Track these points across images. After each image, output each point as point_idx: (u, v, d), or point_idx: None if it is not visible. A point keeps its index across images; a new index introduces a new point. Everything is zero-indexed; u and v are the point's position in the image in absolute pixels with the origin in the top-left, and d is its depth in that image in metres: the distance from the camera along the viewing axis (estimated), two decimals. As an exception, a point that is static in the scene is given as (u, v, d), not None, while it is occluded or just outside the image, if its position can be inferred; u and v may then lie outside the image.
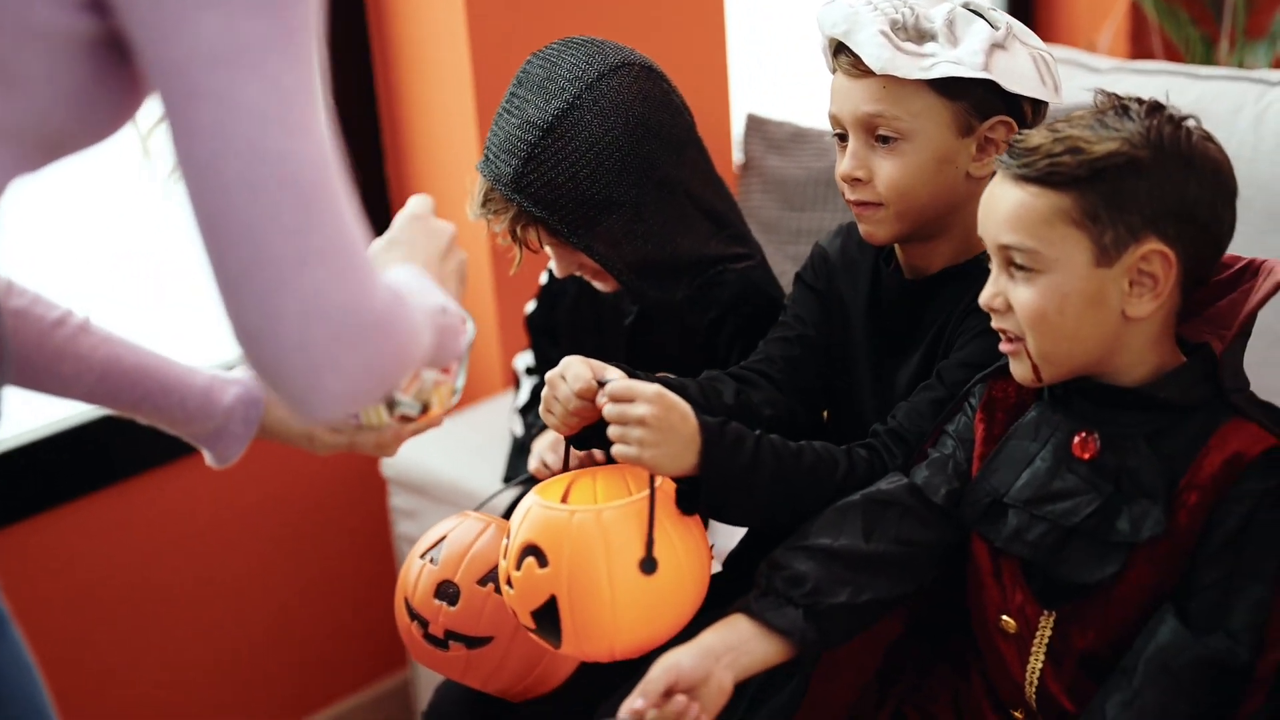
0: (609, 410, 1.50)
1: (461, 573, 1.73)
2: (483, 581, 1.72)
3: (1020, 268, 1.43)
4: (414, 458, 2.44)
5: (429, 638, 1.76)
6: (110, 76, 1.04)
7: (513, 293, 2.57)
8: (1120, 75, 2.41)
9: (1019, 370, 1.48)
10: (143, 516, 2.42)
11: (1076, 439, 1.47)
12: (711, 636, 1.45)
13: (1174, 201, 1.41)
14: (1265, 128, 2.18)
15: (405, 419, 1.50)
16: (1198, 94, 2.28)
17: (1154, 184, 1.40)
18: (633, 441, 1.48)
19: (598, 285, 1.92)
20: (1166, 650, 1.40)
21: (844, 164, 1.67)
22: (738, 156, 2.83)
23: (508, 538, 1.54)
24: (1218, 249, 1.47)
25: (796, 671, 1.62)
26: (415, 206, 1.48)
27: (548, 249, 1.86)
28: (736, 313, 1.91)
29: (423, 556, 1.78)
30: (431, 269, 1.40)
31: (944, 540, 1.55)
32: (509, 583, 1.53)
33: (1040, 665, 1.51)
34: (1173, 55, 3.56)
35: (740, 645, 1.45)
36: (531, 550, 1.50)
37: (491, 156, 1.80)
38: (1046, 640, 1.50)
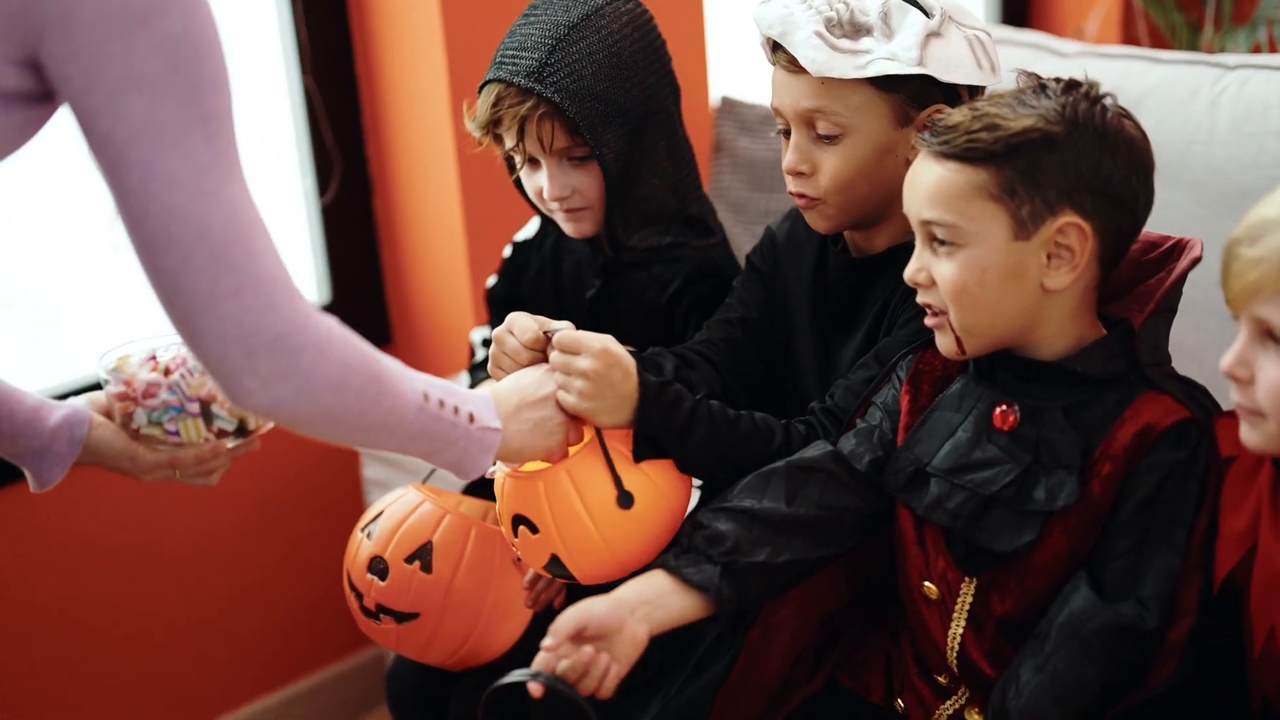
0: (554, 359, 1.57)
1: (391, 549, 1.78)
2: (410, 559, 1.77)
3: (942, 243, 1.47)
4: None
5: (365, 610, 1.82)
6: (30, 122, 1.26)
7: (486, 270, 2.60)
8: (1085, 59, 2.44)
9: (943, 343, 1.52)
10: (120, 486, 2.46)
11: (997, 411, 1.50)
12: (626, 589, 1.48)
13: (1089, 176, 1.44)
14: (1220, 112, 2.20)
15: (223, 434, 1.58)
16: (1157, 78, 2.31)
17: (1069, 159, 1.43)
18: (573, 391, 1.55)
19: (570, 227, 1.95)
20: (1078, 616, 1.44)
21: (787, 158, 1.70)
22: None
23: (499, 512, 1.62)
24: (1135, 223, 1.50)
25: (734, 641, 1.66)
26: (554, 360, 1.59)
27: (546, 165, 1.89)
28: (694, 289, 1.95)
29: (363, 530, 1.83)
30: (505, 405, 1.54)
31: (867, 506, 1.59)
32: (516, 550, 1.62)
33: (961, 631, 1.54)
34: (1159, 41, 3.58)
35: (655, 599, 1.48)
36: (520, 520, 1.58)
37: (508, 59, 1.86)
38: (968, 606, 1.53)
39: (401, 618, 1.79)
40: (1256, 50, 3.30)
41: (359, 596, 1.82)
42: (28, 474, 1.60)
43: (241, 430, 1.58)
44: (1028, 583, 1.49)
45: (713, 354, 1.83)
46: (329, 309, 2.72)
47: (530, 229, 2.14)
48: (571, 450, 1.59)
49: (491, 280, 2.18)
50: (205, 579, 2.62)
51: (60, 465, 1.58)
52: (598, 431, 1.57)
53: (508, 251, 2.16)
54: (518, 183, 1.99)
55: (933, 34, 1.62)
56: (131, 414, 1.54)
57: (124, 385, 1.53)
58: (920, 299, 1.52)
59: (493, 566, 1.80)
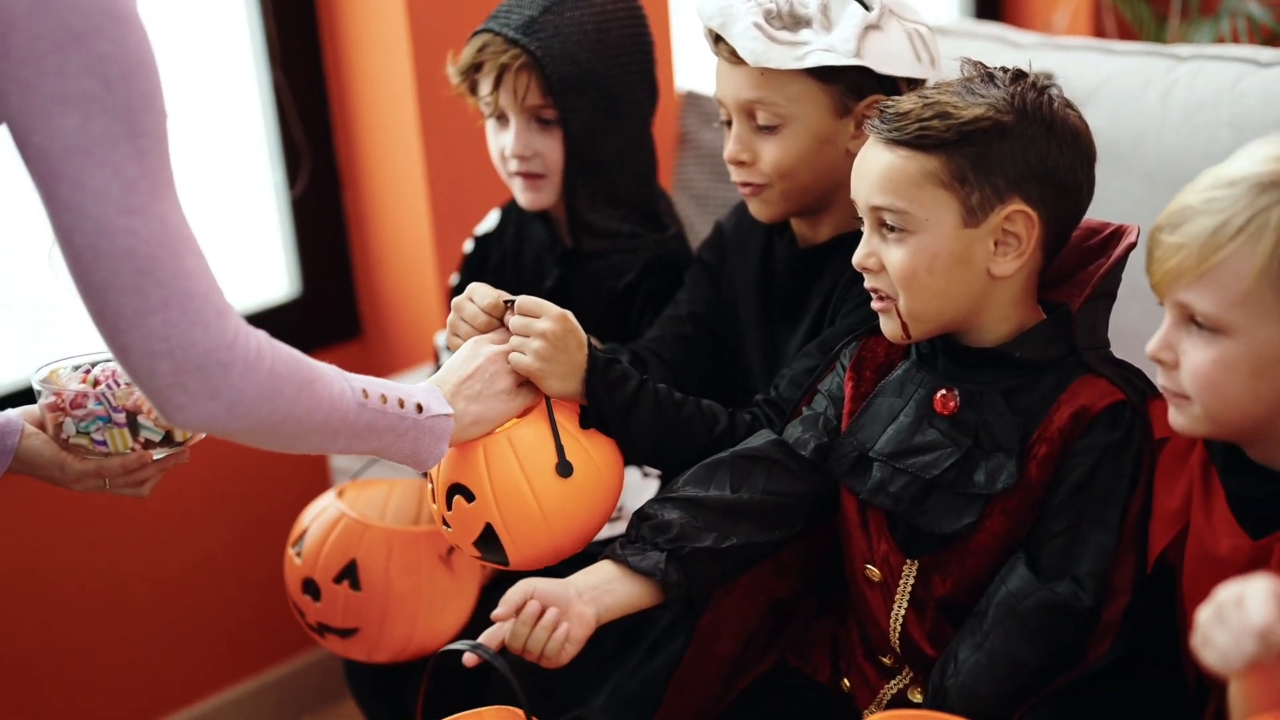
0: (514, 322, 1.59)
1: (319, 571, 1.81)
2: (338, 579, 1.80)
3: (892, 229, 1.49)
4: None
5: (309, 625, 1.84)
6: None
7: (453, 262, 2.63)
8: (1043, 50, 2.46)
9: (889, 327, 1.54)
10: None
11: (938, 396, 1.53)
12: (575, 577, 1.52)
13: (1037, 165, 1.47)
14: (1171, 102, 2.23)
15: (149, 444, 1.58)
16: (1112, 69, 2.33)
17: (1018, 148, 1.46)
18: (529, 352, 1.57)
19: (527, 197, 1.98)
20: (1014, 595, 1.47)
21: (729, 148, 1.73)
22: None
23: (431, 483, 1.62)
24: (1077, 211, 1.53)
25: (686, 625, 1.69)
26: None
27: (514, 122, 1.93)
28: (650, 280, 1.98)
29: (293, 548, 1.86)
30: (446, 386, 1.56)
31: (813, 491, 1.61)
32: (445, 523, 1.62)
33: (904, 612, 1.57)
34: (1127, 34, 3.61)
35: (602, 585, 1.51)
36: (456, 489, 1.58)
37: (502, 13, 1.92)
38: (909, 588, 1.56)
39: (342, 633, 1.82)
40: (1220, 42, 3.33)
41: (301, 614, 1.85)
42: None
43: (168, 440, 1.59)
44: (968, 563, 1.52)
45: (664, 351, 1.86)
46: (299, 303, 2.75)
47: (490, 221, 2.17)
48: (522, 418, 1.61)
49: (454, 278, 2.21)
50: (167, 568, 2.63)
51: None
52: (546, 400, 1.58)
53: (469, 246, 2.19)
54: None
55: (871, 27, 1.65)
56: (61, 424, 1.56)
57: (54, 396, 1.55)
58: (868, 284, 1.54)
59: (420, 569, 1.82)
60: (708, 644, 1.66)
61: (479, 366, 1.57)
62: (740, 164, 1.73)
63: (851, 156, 1.67)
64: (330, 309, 2.77)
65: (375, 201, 2.72)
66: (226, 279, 2.57)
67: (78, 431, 1.55)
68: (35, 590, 2.47)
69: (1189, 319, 1.33)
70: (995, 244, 1.48)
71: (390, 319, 2.78)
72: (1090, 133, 1.53)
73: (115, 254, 1.22)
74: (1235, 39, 3.31)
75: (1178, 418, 1.38)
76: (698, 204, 2.72)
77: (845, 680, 1.66)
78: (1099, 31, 3.67)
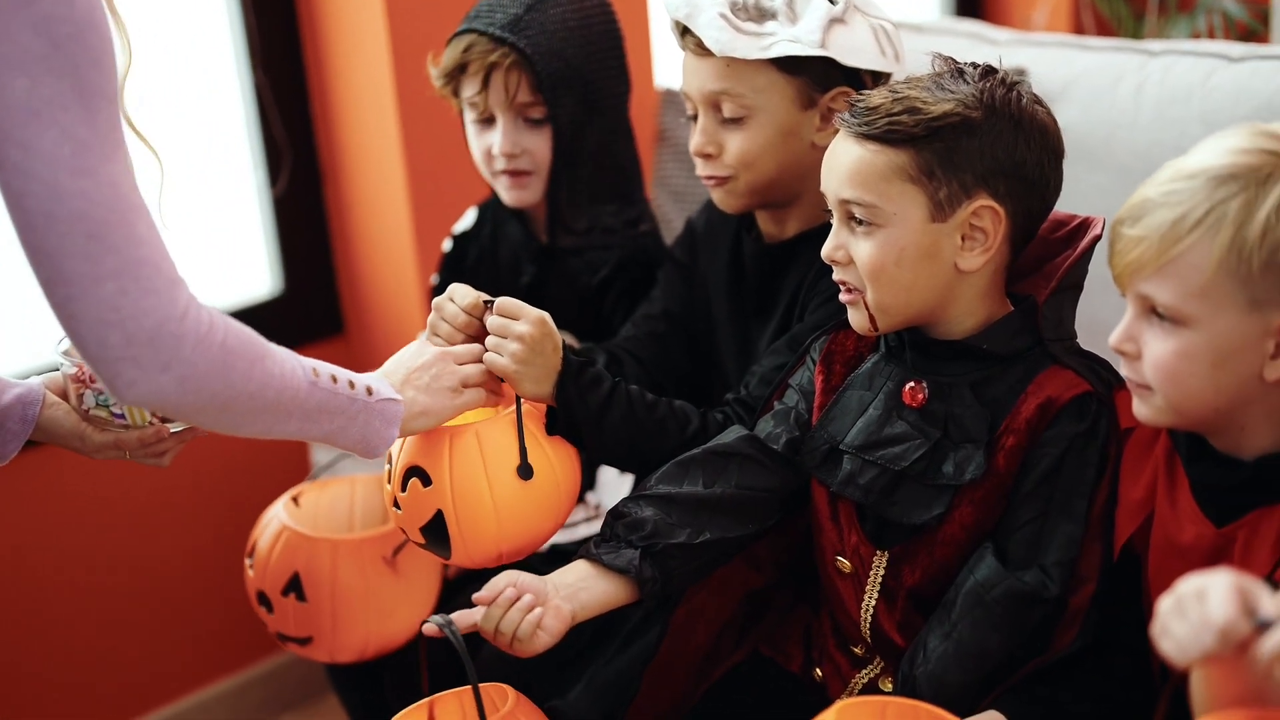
0: (492, 322, 1.60)
1: (268, 583, 1.83)
2: (285, 592, 1.81)
3: (860, 222, 1.51)
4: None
5: (273, 633, 1.87)
6: None
7: (434, 259, 2.64)
8: (1017, 47, 2.48)
9: (857, 320, 1.56)
10: (67, 472, 2.50)
11: (906, 388, 1.55)
12: (552, 575, 1.54)
13: (1005, 160, 1.49)
14: (1144, 97, 2.25)
15: (166, 419, 1.58)
16: (1085, 65, 2.35)
17: (986, 143, 1.48)
18: (505, 354, 1.58)
19: (512, 195, 1.99)
20: (982, 584, 1.49)
21: (694, 140, 1.75)
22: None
23: (389, 464, 1.63)
24: (1044, 207, 1.55)
25: (660, 617, 1.70)
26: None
27: (501, 121, 1.93)
28: (625, 275, 2.00)
29: (248, 558, 1.87)
30: (393, 378, 1.56)
31: (785, 486, 1.63)
32: (395, 504, 1.62)
33: (874, 603, 1.59)
34: (1105, 30, 3.63)
35: (578, 583, 1.53)
36: (414, 471, 1.59)
37: (483, 13, 1.93)
38: (880, 579, 1.58)
39: (299, 641, 1.85)
40: (1196, 37, 3.36)
41: (265, 623, 1.87)
42: None
43: None
44: (937, 554, 1.54)
45: (639, 350, 1.88)
46: (281, 300, 2.76)
47: (467, 220, 2.18)
48: (493, 416, 1.62)
49: (435, 278, 2.22)
50: (151, 564, 2.64)
51: (13, 441, 1.58)
52: (517, 400, 1.60)
53: (447, 245, 2.20)
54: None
55: (836, 20, 1.67)
56: (82, 395, 1.57)
57: (76, 368, 1.56)
58: (836, 276, 1.56)
59: (367, 575, 1.82)
60: (682, 636, 1.68)
61: (426, 361, 1.57)
62: (706, 156, 1.75)
63: (817, 149, 1.70)
64: (312, 306, 2.79)
65: (357, 199, 2.73)
66: (210, 277, 2.60)
67: (97, 404, 1.56)
68: (18, 586, 2.49)
69: (1150, 311, 1.35)
70: (962, 238, 1.50)
71: (372, 316, 2.80)
72: (1059, 129, 1.54)
73: (67, 218, 1.20)
74: (1211, 35, 3.33)
75: (1141, 408, 1.40)
76: (676, 200, 2.74)
77: (817, 670, 1.67)
78: (1078, 28, 3.69)
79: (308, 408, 1.41)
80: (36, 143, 1.19)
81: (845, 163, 1.51)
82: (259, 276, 2.78)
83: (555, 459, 1.61)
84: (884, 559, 1.57)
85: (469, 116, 1.99)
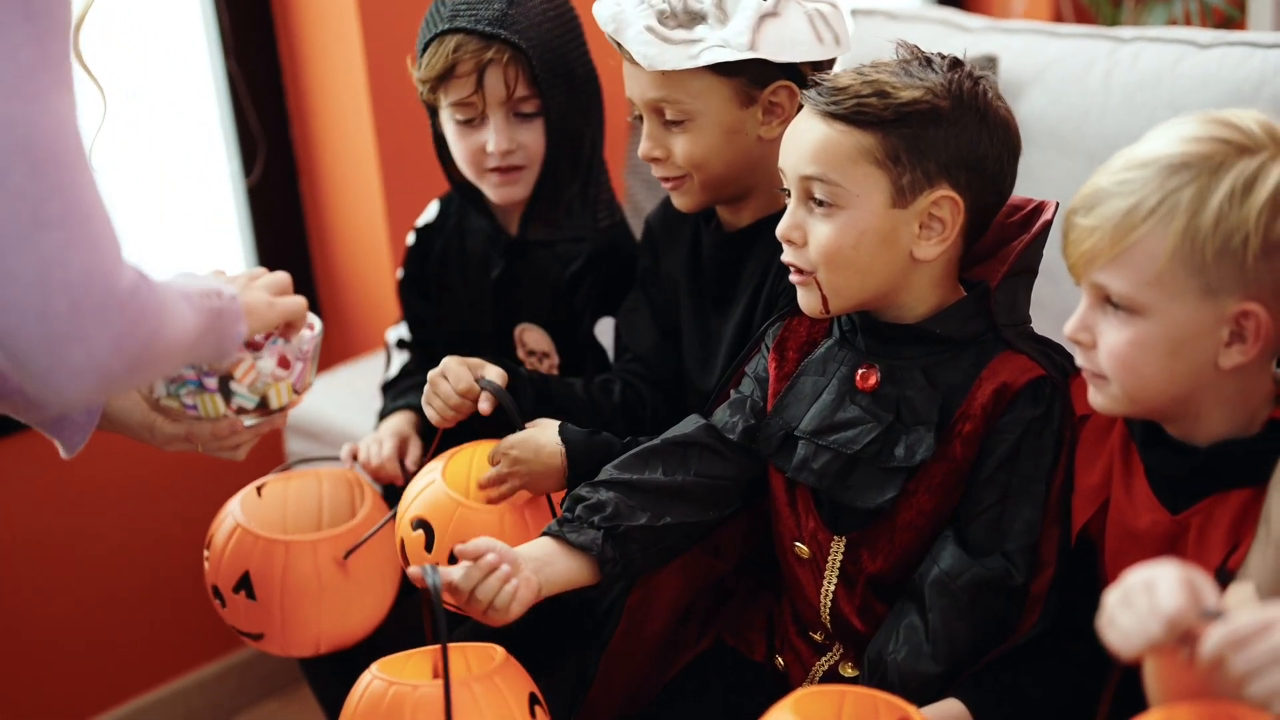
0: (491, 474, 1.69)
1: (221, 579, 1.82)
2: (236, 589, 1.80)
3: (820, 202, 1.51)
4: (311, 404, 2.52)
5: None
6: None
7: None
8: (988, 34, 2.49)
9: (808, 301, 1.55)
10: (46, 460, 2.50)
11: (859, 372, 1.55)
12: (519, 548, 1.52)
13: (968, 152, 1.49)
14: (1113, 83, 2.25)
15: (242, 411, 1.48)
16: (1055, 51, 2.36)
17: (952, 134, 1.48)
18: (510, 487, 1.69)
19: (501, 192, 1.97)
20: (947, 573, 1.49)
21: (641, 146, 1.75)
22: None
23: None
24: (999, 201, 1.55)
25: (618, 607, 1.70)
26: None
27: (494, 119, 1.91)
28: (595, 269, 2.00)
29: (206, 549, 1.86)
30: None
31: (743, 474, 1.64)
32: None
33: (833, 589, 1.59)
34: (1085, 18, 3.63)
35: (544, 558, 1.52)
36: (421, 525, 1.68)
37: (462, 11, 1.89)
38: (838, 564, 1.58)
39: (251, 636, 1.84)
40: (1173, 24, 3.36)
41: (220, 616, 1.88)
42: (55, 440, 1.50)
43: (263, 407, 1.49)
44: (895, 540, 1.54)
45: (649, 372, 1.90)
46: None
47: (430, 213, 2.17)
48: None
49: (400, 272, 2.21)
50: (129, 548, 2.65)
51: (80, 433, 1.48)
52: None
53: (411, 239, 2.19)
54: (438, 145, 2.02)
55: (767, 15, 1.65)
56: (152, 385, 1.49)
57: None
58: (787, 257, 1.55)
59: (321, 576, 1.80)
60: (636, 623, 1.68)
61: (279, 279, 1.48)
62: (655, 160, 1.75)
63: (764, 142, 1.70)
64: (288, 295, 2.79)
65: (331, 189, 2.74)
66: (184, 265, 2.59)
67: (168, 394, 1.47)
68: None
69: (1105, 300, 1.35)
70: (920, 227, 1.50)
71: (347, 305, 2.80)
72: (1017, 126, 1.55)
73: (8, 147, 1.04)
74: (1188, 22, 3.33)
75: (1096, 397, 1.40)
76: (649, 188, 2.74)
77: (779, 658, 1.68)
78: (1056, 16, 3.69)
79: (205, 331, 1.29)
80: None
81: (810, 140, 1.51)
82: (233, 265, 2.77)
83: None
84: (841, 544, 1.58)
85: (455, 117, 1.95)
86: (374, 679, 1.45)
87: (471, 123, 1.93)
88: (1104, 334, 1.36)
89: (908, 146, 1.47)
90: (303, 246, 2.82)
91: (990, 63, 2.37)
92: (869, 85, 1.48)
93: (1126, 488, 1.45)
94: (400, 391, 2.13)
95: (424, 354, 2.15)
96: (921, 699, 1.44)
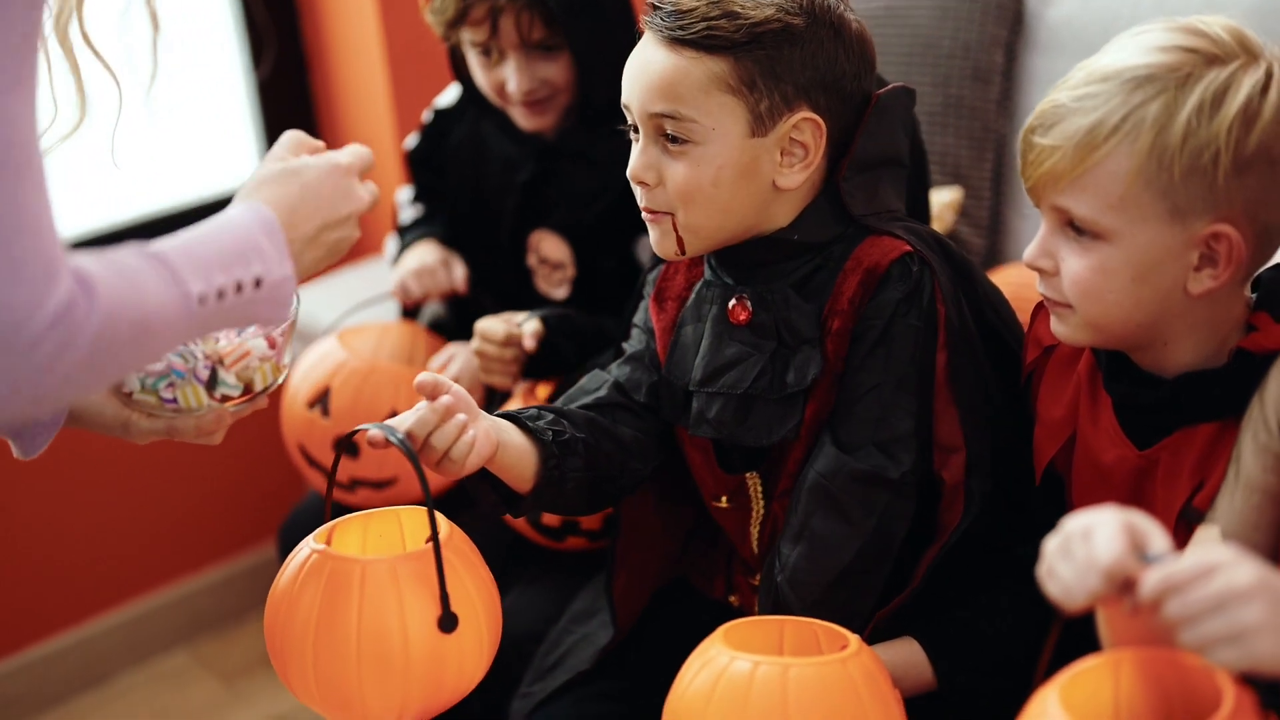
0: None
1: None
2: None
3: (673, 139, 1.40)
4: (307, 311, 2.47)
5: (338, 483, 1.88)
6: None
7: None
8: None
9: (662, 243, 1.44)
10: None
11: (730, 306, 1.45)
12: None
13: (825, 71, 1.39)
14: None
15: (226, 399, 1.34)
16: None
17: (808, 53, 1.38)
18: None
19: (530, 121, 1.91)
20: (824, 475, 1.40)
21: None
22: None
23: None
24: (857, 122, 1.43)
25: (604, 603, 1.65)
26: (349, 156, 1.32)
27: (513, 59, 1.85)
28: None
29: (311, 407, 1.94)
30: (302, 228, 1.25)
31: (657, 428, 1.55)
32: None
33: (758, 531, 1.52)
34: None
35: (503, 424, 1.42)
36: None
37: None
38: (763, 504, 1.51)
39: (377, 485, 1.87)
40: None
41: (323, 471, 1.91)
42: (10, 442, 1.33)
43: (247, 392, 1.34)
44: (798, 458, 1.45)
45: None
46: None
47: (450, 96, 2.10)
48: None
49: (412, 141, 2.14)
50: (124, 467, 2.65)
51: (45, 433, 1.31)
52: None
53: (428, 116, 2.12)
54: (455, 65, 1.96)
55: None
56: (124, 380, 1.32)
57: None
58: (641, 200, 1.44)
59: None
60: (629, 580, 1.63)
61: (341, 216, 1.29)
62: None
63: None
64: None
65: (341, 83, 2.69)
66: (192, 164, 2.56)
67: (143, 388, 1.31)
68: None
69: (1067, 224, 1.27)
70: (782, 154, 1.39)
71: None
72: (872, 40, 1.44)
73: None
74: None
75: (1059, 327, 1.32)
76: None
77: (732, 597, 1.62)
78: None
79: (191, 332, 1.14)
80: None
81: (656, 71, 1.38)
82: (244, 162, 2.74)
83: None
84: (756, 482, 1.50)
85: (474, 49, 1.89)
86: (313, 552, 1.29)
87: (490, 56, 1.87)
88: (1066, 260, 1.28)
89: (763, 70, 1.36)
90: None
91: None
92: (716, 6, 1.36)
93: (1093, 421, 1.37)
94: (415, 230, 2.12)
95: (437, 207, 2.13)
96: (830, 614, 1.36)
